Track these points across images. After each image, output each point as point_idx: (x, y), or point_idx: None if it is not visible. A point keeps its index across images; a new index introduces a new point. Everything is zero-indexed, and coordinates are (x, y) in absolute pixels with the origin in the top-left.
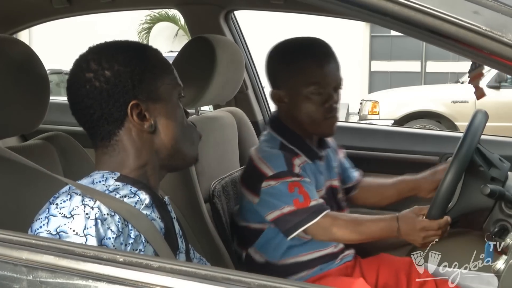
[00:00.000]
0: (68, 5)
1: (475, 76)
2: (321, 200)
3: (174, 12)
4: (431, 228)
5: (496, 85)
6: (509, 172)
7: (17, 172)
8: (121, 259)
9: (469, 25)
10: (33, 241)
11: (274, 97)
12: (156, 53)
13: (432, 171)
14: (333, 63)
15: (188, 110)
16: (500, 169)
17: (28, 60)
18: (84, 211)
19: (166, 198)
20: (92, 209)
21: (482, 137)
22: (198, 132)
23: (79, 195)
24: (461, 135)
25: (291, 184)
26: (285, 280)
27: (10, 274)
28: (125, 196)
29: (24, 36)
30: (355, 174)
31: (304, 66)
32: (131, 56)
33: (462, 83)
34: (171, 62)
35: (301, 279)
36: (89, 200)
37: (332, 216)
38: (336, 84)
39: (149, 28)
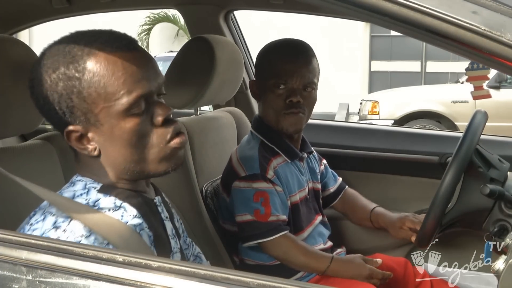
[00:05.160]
0: (68, 5)
1: (477, 77)
2: (282, 217)
3: (173, 12)
4: (376, 277)
5: (496, 85)
6: (508, 172)
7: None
8: (120, 259)
9: (468, 25)
10: (33, 241)
11: (249, 85)
12: (102, 54)
13: (401, 217)
14: (302, 63)
15: (188, 110)
16: (499, 169)
17: (28, 60)
18: (56, 234)
19: (156, 198)
20: (64, 232)
21: (482, 137)
22: (181, 139)
23: (53, 215)
24: (461, 135)
25: (258, 193)
26: (285, 280)
27: (10, 273)
28: (109, 210)
29: (24, 36)
30: (337, 182)
31: (272, 60)
32: (58, 77)
33: (462, 83)
34: (170, 62)
35: (301, 279)
36: (63, 221)
37: (289, 238)
38: (304, 84)
39: (149, 29)
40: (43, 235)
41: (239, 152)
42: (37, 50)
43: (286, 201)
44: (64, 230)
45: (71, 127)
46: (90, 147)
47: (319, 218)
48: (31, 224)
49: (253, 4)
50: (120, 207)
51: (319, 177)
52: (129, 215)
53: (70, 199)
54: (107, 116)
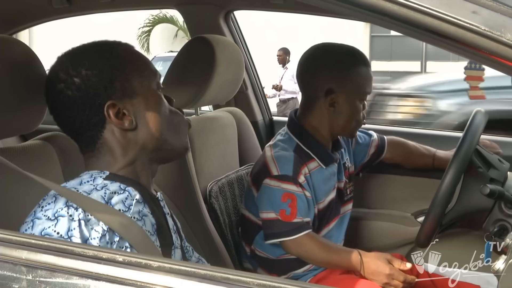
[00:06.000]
0: (67, 5)
1: (473, 77)
2: (306, 219)
3: (173, 13)
4: (397, 278)
5: None
6: (508, 172)
7: (13, 173)
8: (120, 259)
9: (468, 25)
10: (33, 241)
11: (329, 102)
12: (125, 48)
13: None
14: None
15: (188, 110)
16: (499, 169)
17: (28, 60)
18: (68, 212)
19: (158, 194)
20: (76, 210)
21: (482, 137)
22: (186, 120)
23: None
24: (461, 135)
25: (286, 193)
26: (285, 280)
27: (10, 273)
28: (115, 193)
29: (24, 36)
30: (374, 138)
31: (365, 73)
32: (97, 58)
33: None
34: (171, 62)
35: (306, 273)
36: None
37: (312, 236)
38: None
39: (149, 31)
40: (56, 214)
41: (274, 149)
42: (37, 50)
43: (313, 208)
44: (76, 208)
45: (110, 101)
46: (127, 121)
47: (336, 220)
48: (42, 207)
49: (253, 4)
50: (125, 190)
51: (347, 171)
52: (132, 198)
53: (74, 192)
54: (142, 87)
